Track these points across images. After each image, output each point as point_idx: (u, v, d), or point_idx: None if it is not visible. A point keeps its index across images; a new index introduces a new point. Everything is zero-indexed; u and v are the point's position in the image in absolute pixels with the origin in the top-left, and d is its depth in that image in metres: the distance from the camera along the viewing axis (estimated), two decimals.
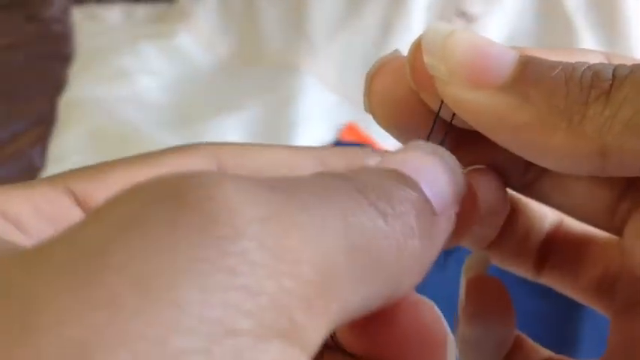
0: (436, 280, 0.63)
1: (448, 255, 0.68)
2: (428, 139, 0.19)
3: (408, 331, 0.16)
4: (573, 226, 0.24)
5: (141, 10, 1.01)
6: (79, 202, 0.16)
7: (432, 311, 0.17)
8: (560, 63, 0.18)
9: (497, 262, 0.24)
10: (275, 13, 0.96)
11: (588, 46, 0.91)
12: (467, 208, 0.18)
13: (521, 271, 0.24)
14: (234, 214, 0.11)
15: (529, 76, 0.17)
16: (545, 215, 0.24)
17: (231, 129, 0.82)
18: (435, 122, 0.19)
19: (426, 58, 0.18)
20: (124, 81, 0.88)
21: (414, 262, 0.15)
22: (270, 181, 0.13)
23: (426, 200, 0.16)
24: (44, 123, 0.83)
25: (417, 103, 0.20)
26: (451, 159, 0.17)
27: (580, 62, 0.18)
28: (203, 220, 0.11)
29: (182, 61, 0.93)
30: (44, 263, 0.11)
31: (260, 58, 0.94)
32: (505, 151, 0.19)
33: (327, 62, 0.91)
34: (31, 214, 0.15)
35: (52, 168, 0.78)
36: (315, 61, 0.91)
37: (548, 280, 0.24)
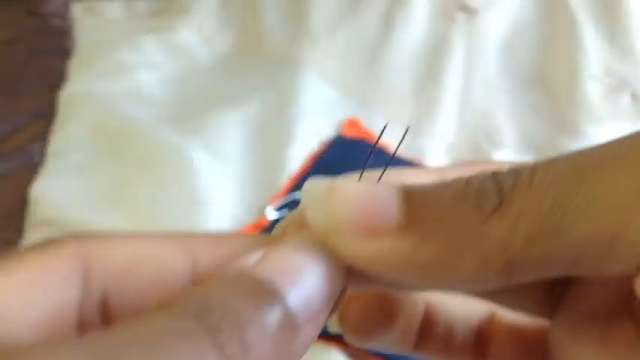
0: None
1: None
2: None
3: None
4: (506, 317, 0.24)
5: (141, 5, 1.00)
6: None
7: None
8: (440, 186, 0.17)
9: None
10: (276, 7, 0.96)
11: (590, 40, 0.91)
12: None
13: None
14: None
15: (418, 212, 0.17)
16: (471, 312, 0.24)
17: (232, 123, 0.82)
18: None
19: (310, 217, 0.18)
20: (124, 76, 0.88)
21: None
22: (94, 342, 0.13)
23: (289, 317, 0.16)
24: (44, 118, 0.83)
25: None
26: (329, 259, 0.17)
27: (459, 180, 0.17)
28: None
29: (182, 56, 0.93)
30: None
31: (261, 52, 0.94)
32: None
33: (329, 57, 0.91)
34: None
35: (51, 163, 0.78)
36: (317, 56, 0.91)
37: None
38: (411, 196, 0.17)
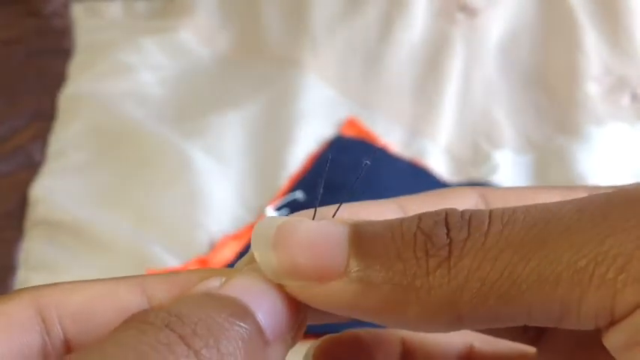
0: None
1: None
2: None
3: None
4: (485, 348, 0.23)
5: (141, 5, 1.00)
6: None
7: None
8: (390, 229, 0.17)
9: None
10: (276, 8, 0.96)
11: (590, 40, 0.91)
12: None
13: None
14: None
15: (366, 256, 0.17)
16: (450, 344, 0.23)
17: (232, 124, 0.82)
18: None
19: (259, 262, 0.18)
20: (124, 76, 0.88)
21: None
22: None
23: (260, 331, 0.16)
24: (44, 118, 0.83)
25: None
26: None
27: (410, 221, 0.17)
28: None
29: (182, 57, 0.93)
30: None
31: (261, 53, 0.94)
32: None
33: (328, 57, 0.91)
34: None
35: (51, 163, 0.78)
36: (316, 57, 0.91)
37: None
38: (359, 239, 0.17)
